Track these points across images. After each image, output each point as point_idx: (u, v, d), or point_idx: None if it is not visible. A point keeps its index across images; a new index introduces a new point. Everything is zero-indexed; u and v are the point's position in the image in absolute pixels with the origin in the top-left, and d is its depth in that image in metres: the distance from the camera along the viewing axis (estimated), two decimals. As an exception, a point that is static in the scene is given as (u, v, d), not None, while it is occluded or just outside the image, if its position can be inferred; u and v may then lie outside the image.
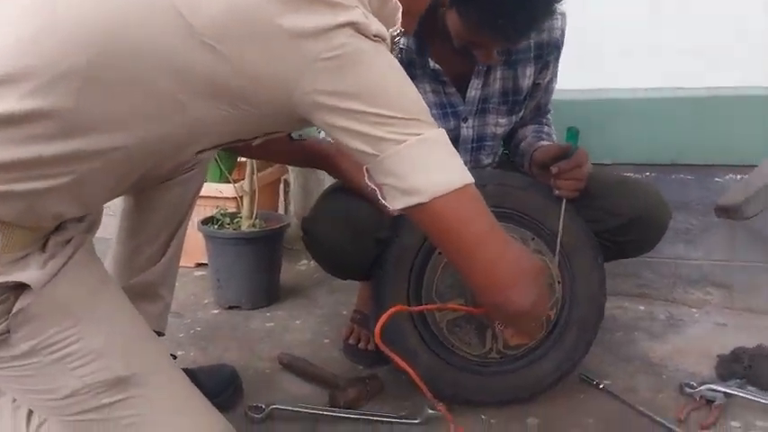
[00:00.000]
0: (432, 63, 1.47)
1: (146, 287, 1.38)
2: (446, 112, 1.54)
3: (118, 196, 1.02)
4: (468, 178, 0.90)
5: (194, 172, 1.39)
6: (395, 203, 0.89)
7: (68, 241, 0.92)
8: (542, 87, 1.61)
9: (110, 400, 0.92)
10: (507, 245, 0.96)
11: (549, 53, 1.54)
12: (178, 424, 0.97)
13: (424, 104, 0.90)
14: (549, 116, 1.71)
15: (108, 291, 0.99)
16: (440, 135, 0.90)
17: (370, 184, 0.90)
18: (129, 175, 0.94)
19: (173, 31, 0.80)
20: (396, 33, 0.89)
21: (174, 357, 1.44)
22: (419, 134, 0.86)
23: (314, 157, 1.43)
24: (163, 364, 1.01)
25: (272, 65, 0.82)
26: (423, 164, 0.86)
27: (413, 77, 1.47)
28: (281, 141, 1.39)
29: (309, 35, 0.81)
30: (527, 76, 1.55)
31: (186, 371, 1.27)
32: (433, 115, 1.50)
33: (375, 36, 0.84)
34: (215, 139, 0.95)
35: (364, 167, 0.90)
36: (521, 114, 1.62)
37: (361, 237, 1.39)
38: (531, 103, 1.62)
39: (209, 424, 1.00)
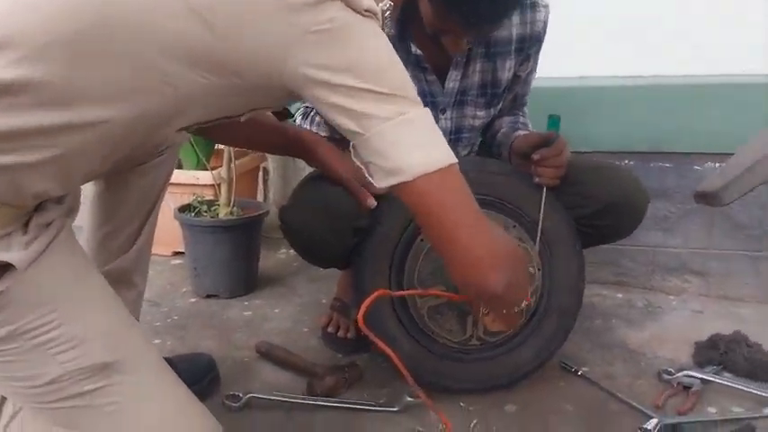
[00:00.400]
0: (414, 48, 1.45)
1: (119, 274, 1.35)
2: (425, 101, 1.50)
3: (101, 175, 0.99)
4: (453, 158, 0.90)
5: (165, 156, 1.36)
6: (380, 182, 0.89)
7: (50, 224, 0.91)
8: (522, 79, 1.59)
9: (92, 387, 0.90)
10: (487, 228, 0.96)
11: (530, 46, 1.53)
12: (161, 411, 0.95)
13: (411, 82, 0.90)
14: (525, 108, 1.70)
15: (90, 276, 0.97)
16: (425, 114, 0.89)
17: (356, 161, 0.90)
18: (114, 152, 0.92)
19: (164, 0, 0.80)
20: (386, 8, 0.89)
21: (152, 346, 1.43)
22: (406, 112, 0.86)
23: (292, 144, 1.41)
24: (145, 351, 0.99)
25: (262, 37, 0.82)
26: (408, 143, 0.86)
27: None
28: (258, 127, 1.37)
29: (299, 8, 0.80)
30: (507, 69, 1.53)
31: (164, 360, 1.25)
32: None
33: (366, 11, 0.84)
34: (201, 114, 0.93)
35: (351, 145, 0.90)
36: (499, 107, 1.61)
37: (340, 226, 1.38)
38: (509, 95, 1.61)
39: (191, 411, 0.99)
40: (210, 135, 1.47)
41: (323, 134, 1.48)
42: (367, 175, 0.91)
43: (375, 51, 0.86)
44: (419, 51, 1.46)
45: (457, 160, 0.90)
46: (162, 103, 0.86)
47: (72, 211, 0.98)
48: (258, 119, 1.38)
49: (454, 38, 1.35)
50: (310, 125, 1.55)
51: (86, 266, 0.98)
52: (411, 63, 1.47)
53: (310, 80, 0.84)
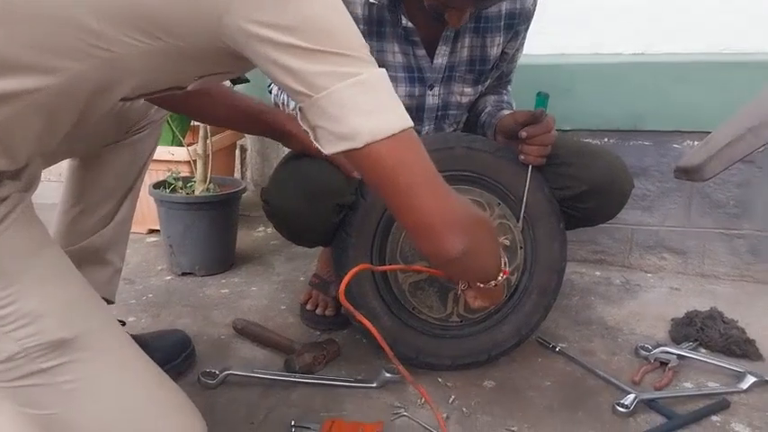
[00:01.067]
0: (404, 20, 1.42)
1: (93, 252, 1.33)
2: (413, 77, 1.49)
3: (48, 149, 0.95)
4: (406, 122, 0.84)
5: (145, 133, 1.33)
6: (328, 147, 0.84)
7: (5, 199, 0.87)
8: (509, 57, 1.57)
9: (49, 365, 0.87)
10: (443, 193, 0.91)
11: (519, 23, 1.51)
12: (123, 388, 0.93)
13: (364, 41, 0.84)
14: (509, 87, 1.68)
15: (48, 252, 0.94)
16: (380, 75, 0.83)
17: (302, 125, 0.85)
18: (55, 125, 0.88)
19: None
20: None
21: (124, 324, 1.40)
22: (358, 74, 0.80)
23: (269, 129, 1.37)
24: (107, 327, 0.96)
25: None
26: (359, 107, 0.81)
27: (381, 37, 1.45)
28: (234, 109, 1.34)
29: None
30: (496, 45, 1.51)
31: (135, 337, 1.23)
32: (398, 78, 1.48)
33: None
34: (142, 81, 0.89)
35: (297, 108, 0.84)
36: (486, 84, 1.59)
37: (322, 204, 1.36)
38: (496, 72, 1.59)
39: (157, 388, 0.96)
40: (186, 111, 1.43)
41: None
42: (314, 141, 0.85)
43: (325, 8, 0.80)
44: (410, 24, 1.42)
45: (412, 123, 0.85)
46: (95, 69, 0.81)
47: (31, 185, 0.94)
48: (235, 102, 1.35)
49: (458, 12, 1.31)
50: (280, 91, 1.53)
51: (44, 242, 0.94)
52: (400, 36, 1.44)
53: (253, 37, 0.77)
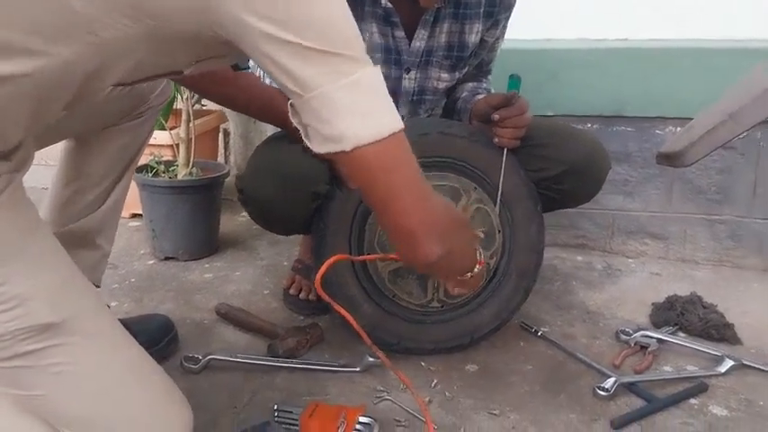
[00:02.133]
0: (384, 0, 1.41)
1: (82, 235, 1.32)
2: (390, 58, 1.49)
3: (41, 131, 0.94)
4: (395, 126, 0.83)
5: (143, 119, 1.32)
6: (317, 147, 0.83)
7: None
8: (488, 45, 1.57)
9: (36, 347, 0.86)
10: (424, 198, 0.91)
11: (500, 11, 1.50)
12: (111, 372, 0.92)
13: (361, 38, 0.82)
14: (489, 77, 1.68)
15: (38, 234, 0.93)
16: (373, 75, 0.82)
17: (293, 121, 0.84)
18: (46, 108, 0.87)
19: None
20: None
21: (108, 308, 1.39)
22: (351, 74, 0.78)
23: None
24: (96, 311, 0.95)
25: None
26: (349, 109, 0.79)
27: (359, 16, 1.43)
28: (257, 100, 1.35)
29: None
30: (474, 32, 1.51)
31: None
32: (375, 59, 1.46)
33: None
34: (133, 67, 0.88)
35: (288, 103, 0.83)
36: (464, 71, 1.58)
37: (299, 192, 1.35)
38: (475, 60, 1.59)
39: (145, 372, 0.96)
40: (203, 93, 1.44)
41: None
42: (304, 138, 0.84)
43: (322, 4, 0.78)
44: (389, 4, 1.41)
45: (402, 125, 0.84)
46: (85, 53, 0.80)
47: (22, 165, 0.93)
48: (258, 92, 1.36)
49: None
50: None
51: (35, 224, 0.93)
52: (379, 17, 1.43)
53: (247, 27, 0.76)
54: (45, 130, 0.95)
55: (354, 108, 0.80)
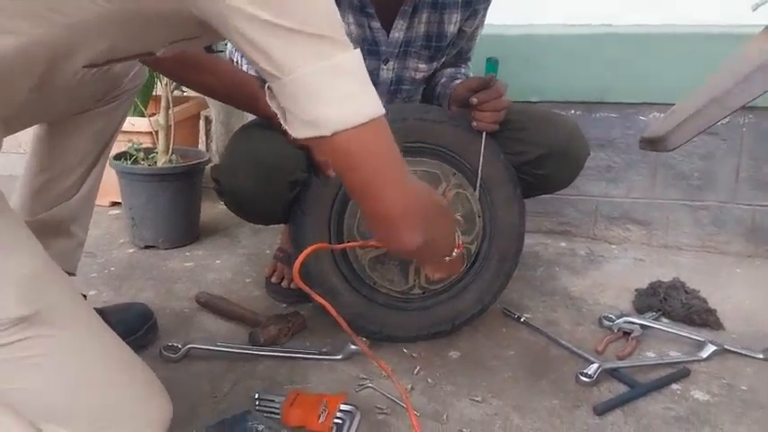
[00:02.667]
0: None
1: (56, 223, 1.29)
2: (367, 50, 1.46)
3: (8, 114, 0.91)
4: (376, 111, 0.81)
5: (116, 104, 1.29)
6: (296, 132, 0.81)
7: None
8: (467, 35, 1.56)
9: (9, 340, 0.84)
10: (404, 185, 0.90)
11: (479, 1, 1.49)
12: (87, 364, 0.90)
13: (341, 20, 0.81)
14: (468, 63, 1.66)
15: (6, 223, 0.90)
16: (354, 59, 0.80)
17: (271, 105, 0.82)
18: (11, 89, 0.85)
19: None
20: None
21: (85, 297, 1.37)
22: (331, 57, 0.76)
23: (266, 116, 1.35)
24: (70, 301, 0.93)
25: None
26: (329, 94, 0.77)
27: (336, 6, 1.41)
28: (233, 87, 1.34)
29: None
30: (453, 22, 1.49)
31: (96, 311, 1.20)
32: None
33: None
34: (105, 47, 0.85)
35: (266, 86, 0.81)
36: (442, 61, 1.57)
37: (275, 181, 1.34)
38: (454, 50, 1.57)
39: (122, 363, 0.94)
40: (188, 84, 1.42)
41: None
42: (282, 123, 0.82)
43: None
44: None
45: (383, 111, 0.82)
46: (52, 33, 0.77)
47: None
48: (234, 79, 1.35)
49: None
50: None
51: (1, 211, 0.91)
52: (356, 7, 1.41)
53: (228, 6, 0.73)
54: (15, 113, 0.92)
55: (333, 92, 0.77)
